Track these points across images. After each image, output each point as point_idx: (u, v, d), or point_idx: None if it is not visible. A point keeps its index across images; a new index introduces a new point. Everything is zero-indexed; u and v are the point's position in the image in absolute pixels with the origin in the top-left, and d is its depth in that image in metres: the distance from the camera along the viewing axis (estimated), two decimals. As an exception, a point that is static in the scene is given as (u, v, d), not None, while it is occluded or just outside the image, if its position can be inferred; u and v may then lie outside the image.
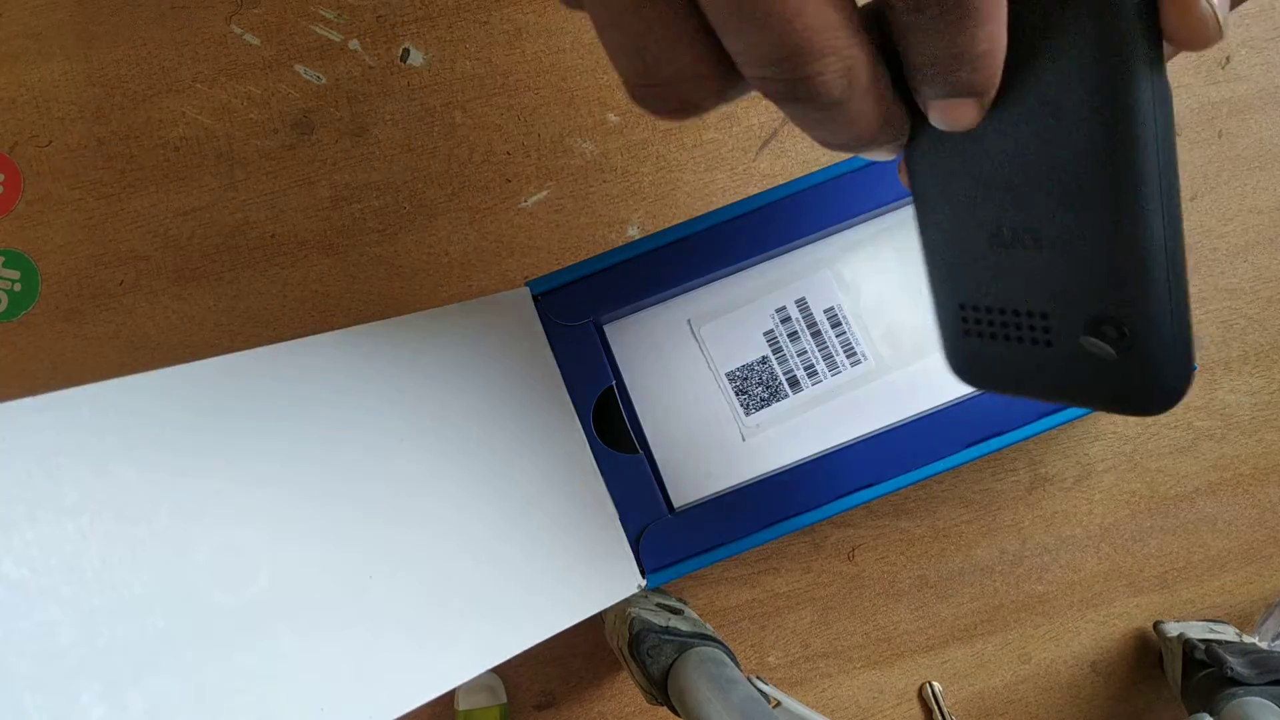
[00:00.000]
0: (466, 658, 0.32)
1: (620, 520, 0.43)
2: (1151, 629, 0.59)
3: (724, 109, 0.58)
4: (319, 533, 0.30)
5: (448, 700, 0.57)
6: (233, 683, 0.26)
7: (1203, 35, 0.19)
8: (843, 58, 0.17)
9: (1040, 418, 0.44)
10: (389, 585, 0.31)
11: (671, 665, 0.49)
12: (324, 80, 0.58)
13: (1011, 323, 0.26)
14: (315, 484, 0.30)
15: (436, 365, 0.37)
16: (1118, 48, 0.19)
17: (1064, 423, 0.45)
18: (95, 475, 0.25)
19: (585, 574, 0.40)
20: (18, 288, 0.57)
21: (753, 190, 0.58)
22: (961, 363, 0.27)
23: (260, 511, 0.29)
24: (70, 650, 0.23)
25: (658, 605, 0.54)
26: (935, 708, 0.58)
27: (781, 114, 0.57)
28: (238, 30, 0.58)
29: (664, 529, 0.43)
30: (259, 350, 0.31)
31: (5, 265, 0.57)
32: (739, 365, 0.45)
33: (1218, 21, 0.19)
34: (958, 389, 0.45)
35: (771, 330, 0.45)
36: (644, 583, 0.42)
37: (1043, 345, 0.25)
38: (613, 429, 0.45)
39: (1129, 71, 0.19)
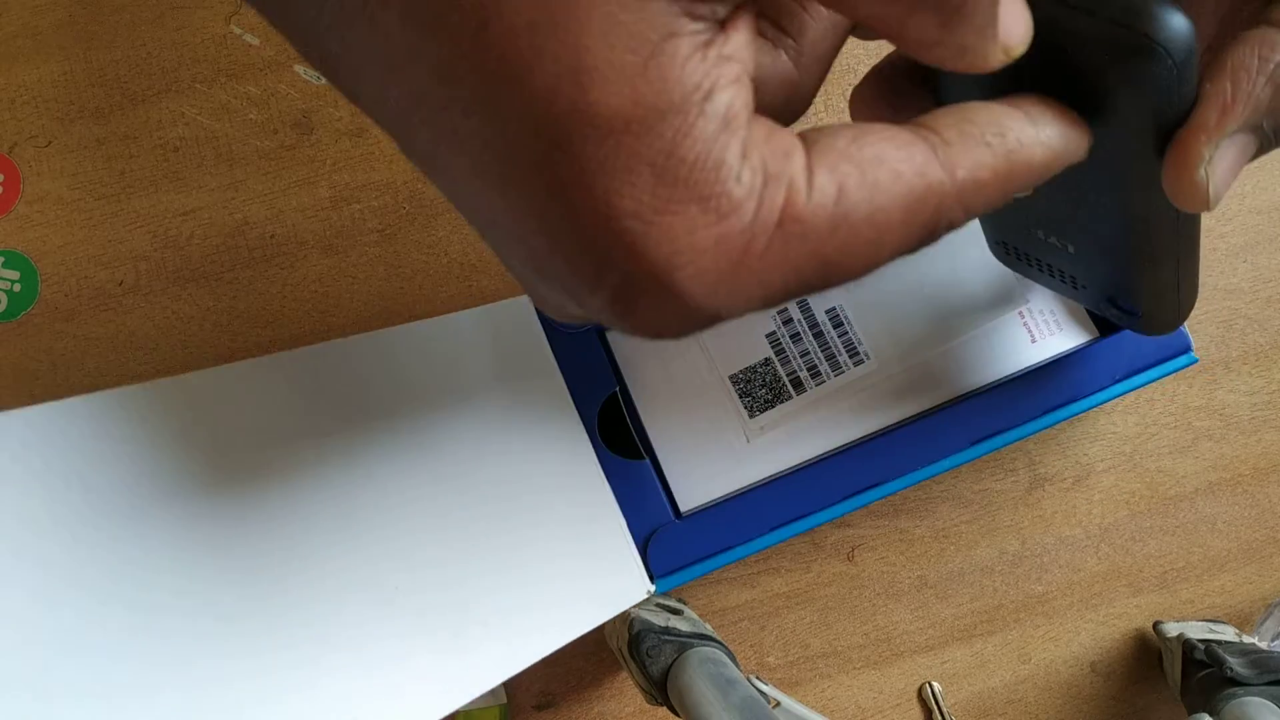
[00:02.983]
0: (485, 669, 0.32)
1: (628, 526, 0.43)
2: (1151, 629, 0.59)
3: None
4: (325, 545, 0.30)
5: (448, 701, 0.57)
6: (254, 696, 0.26)
7: (1191, 200, 0.20)
8: None
9: (1041, 415, 0.44)
10: (399, 603, 0.31)
11: (671, 665, 0.49)
12: (324, 80, 0.58)
13: (1047, 269, 0.33)
14: (319, 496, 0.30)
15: (439, 375, 0.37)
16: (1144, 166, 0.21)
17: (1064, 419, 0.45)
18: (113, 481, 0.25)
19: (594, 581, 0.40)
20: (17, 288, 0.57)
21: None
22: (1000, 256, 0.36)
23: (277, 522, 0.29)
24: (86, 662, 0.23)
25: (657, 605, 0.54)
26: (935, 708, 0.58)
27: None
28: (237, 30, 0.58)
29: (671, 534, 0.43)
30: (260, 360, 0.31)
31: (5, 266, 0.57)
32: (742, 367, 0.45)
33: (1207, 193, 0.20)
34: (960, 387, 0.45)
35: (774, 331, 0.45)
36: (653, 588, 0.42)
37: (1071, 286, 0.34)
38: (617, 435, 0.45)
39: (1148, 182, 0.21)
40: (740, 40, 0.15)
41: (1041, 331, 0.45)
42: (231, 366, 0.29)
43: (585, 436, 0.43)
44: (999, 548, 0.59)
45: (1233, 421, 0.58)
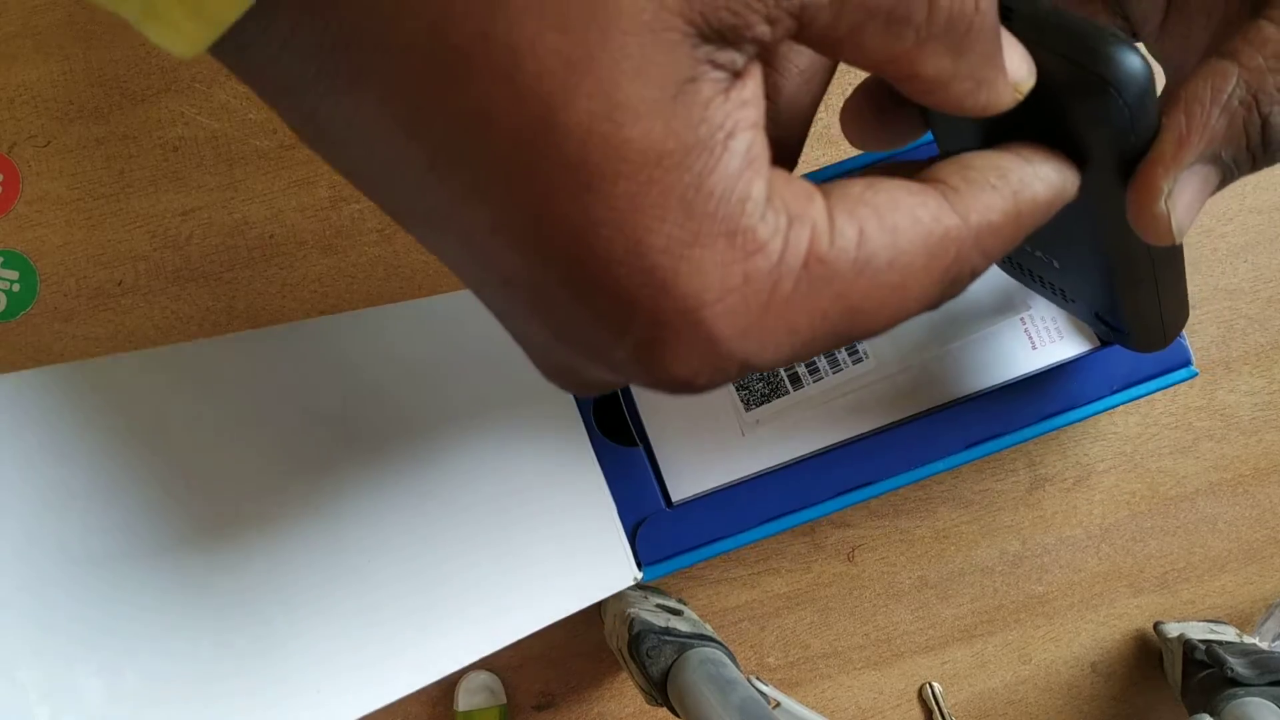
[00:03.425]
0: (462, 644, 0.32)
1: (618, 513, 0.43)
2: (1151, 629, 0.59)
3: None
4: (315, 515, 0.30)
5: (447, 701, 0.57)
6: (227, 663, 0.26)
7: (1155, 233, 0.21)
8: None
9: (1038, 422, 0.44)
10: (385, 570, 0.31)
11: (671, 666, 0.49)
12: (323, 80, 0.58)
13: (1039, 280, 0.34)
14: (312, 466, 0.30)
15: (435, 352, 0.37)
16: (1111, 198, 0.21)
17: (1061, 427, 0.45)
18: (86, 449, 0.25)
19: (581, 565, 0.40)
20: (16, 288, 0.57)
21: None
22: (999, 263, 0.35)
23: (256, 493, 0.29)
24: (65, 628, 0.23)
25: (657, 606, 0.54)
26: (935, 708, 0.58)
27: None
28: (237, 30, 0.58)
29: (661, 522, 0.43)
30: (259, 331, 0.31)
31: (4, 265, 0.57)
32: (739, 363, 0.45)
33: (1170, 225, 0.20)
34: (958, 390, 0.45)
35: (772, 328, 0.45)
36: (640, 575, 0.42)
37: (1062, 298, 0.34)
38: (613, 421, 0.45)
39: (1117, 213, 0.21)
40: (754, 89, 0.15)
41: (1042, 339, 0.45)
42: (213, 340, 0.29)
43: (580, 421, 0.43)
44: (999, 548, 0.58)
45: (1233, 422, 0.58)
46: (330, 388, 0.32)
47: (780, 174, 0.16)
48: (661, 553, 0.43)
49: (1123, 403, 0.45)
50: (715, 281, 0.15)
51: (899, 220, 0.17)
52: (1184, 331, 0.47)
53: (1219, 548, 0.59)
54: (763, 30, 0.15)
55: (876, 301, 0.16)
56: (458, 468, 0.35)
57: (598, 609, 0.57)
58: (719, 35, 0.14)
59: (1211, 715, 0.49)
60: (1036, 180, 0.19)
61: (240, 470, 0.28)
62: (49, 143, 0.57)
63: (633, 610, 0.52)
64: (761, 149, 0.15)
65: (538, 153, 0.14)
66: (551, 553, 0.38)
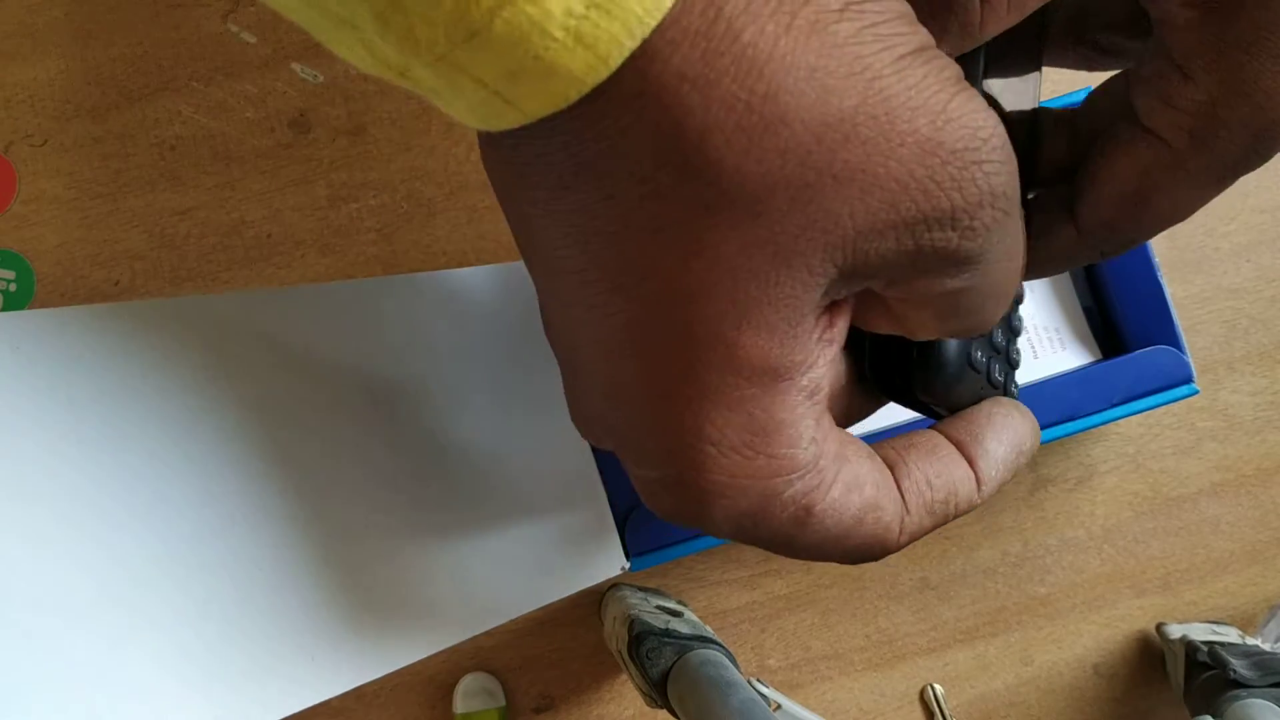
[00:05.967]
0: (443, 629, 0.32)
1: (609, 501, 0.43)
2: (1154, 631, 0.58)
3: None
4: (301, 488, 0.29)
5: (446, 703, 0.57)
6: (213, 628, 0.26)
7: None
8: None
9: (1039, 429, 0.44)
10: (369, 551, 0.31)
11: (671, 668, 0.49)
12: (321, 79, 0.57)
13: None
14: (298, 437, 0.30)
15: (432, 326, 0.36)
16: None
17: (1064, 435, 0.45)
18: (78, 393, 0.25)
19: (568, 552, 0.39)
20: (13, 288, 0.57)
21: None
22: None
23: (237, 466, 0.28)
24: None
25: (657, 607, 0.54)
26: (937, 710, 0.58)
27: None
28: (234, 28, 0.58)
29: (651, 513, 0.43)
30: (251, 292, 0.31)
31: (1, 265, 0.57)
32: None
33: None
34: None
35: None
36: (628, 565, 0.42)
37: None
38: None
39: None
40: (843, 323, 0.17)
41: (1044, 348, 0.45)
42: (213, 297, 0.29)
43: None
44: (1001, 549, 0.58)
45: (1236, 422, 0.58)
46: (321, 358, 0.31)
47: (828, 418, 0.18)
48: (651, 543, 0.43)
49: (1121, 417, 0.45)
50: (736, 485, 0.17)
51: (867, 518, 0.19)
52: (1186, 335, 0.46)
53: (1222, 549, 0.58)
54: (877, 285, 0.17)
55: (809, 550, 0.19)
56: (448, 445, 0.35)
57: (597, 611, 0.57)
58: (854, 272, 0.16)
59: (1214, 717, 0.49)
60: (971, 505, 0.21)
61: (217, 439, 0.28)
62: (45, 142, 0.57)
63: (633, 612, 0.52)
64: (827, 384, 0.18)
65: (663, 310, 0.16)
66: (537, 537, 0.37)
